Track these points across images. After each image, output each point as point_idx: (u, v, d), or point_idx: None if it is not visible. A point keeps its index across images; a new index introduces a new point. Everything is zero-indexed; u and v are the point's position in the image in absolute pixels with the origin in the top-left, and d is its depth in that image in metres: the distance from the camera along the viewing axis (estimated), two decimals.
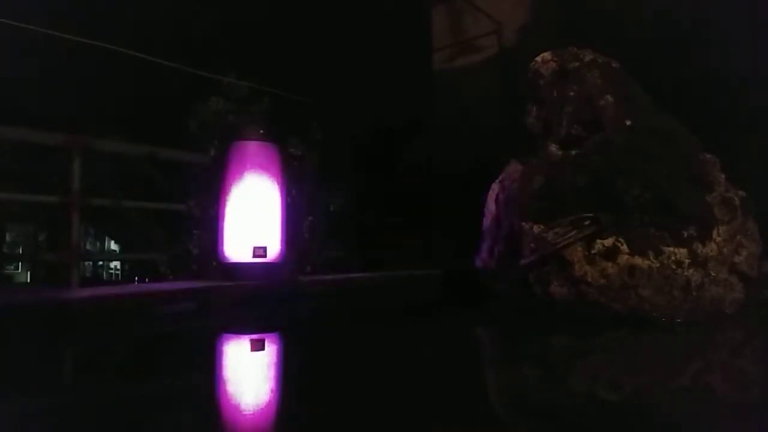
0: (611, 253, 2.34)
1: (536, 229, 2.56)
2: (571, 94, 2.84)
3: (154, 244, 4.43)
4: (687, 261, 2.29)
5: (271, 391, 1.41)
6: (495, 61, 4.79)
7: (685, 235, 2.32)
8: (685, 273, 2.28)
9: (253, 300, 2.64)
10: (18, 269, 10.74)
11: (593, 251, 2.38)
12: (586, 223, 2.42)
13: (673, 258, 2.28)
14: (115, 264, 10.55)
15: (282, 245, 2.98)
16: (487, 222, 3.09)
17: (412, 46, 5.34)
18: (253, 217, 2.87)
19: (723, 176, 2.57)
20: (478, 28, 4.96)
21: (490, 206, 3.08)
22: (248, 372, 1.63)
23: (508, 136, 3.46)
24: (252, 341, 2.18)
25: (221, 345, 2.13)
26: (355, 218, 5.10)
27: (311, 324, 2.72)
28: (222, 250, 2.91)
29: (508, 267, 2.72)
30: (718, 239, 2.36)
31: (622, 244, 2.34)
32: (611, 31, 3.51)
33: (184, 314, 2.36)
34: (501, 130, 4.25)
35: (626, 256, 2.31)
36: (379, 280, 3.59)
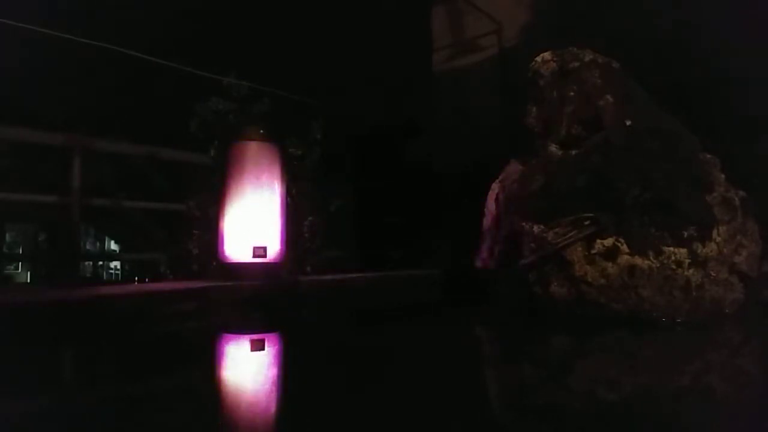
0: (611, 253, 2.34)
1: (536, 229, 2.56)
2: (571, 94, 2.84)
3: (154, 244, 4.44)
4: (687, 261, 2.29)
5: (271, 391, 1.41)
6: (495, 61, 4.79)
7: (685, 235, 2.32)
8: (685, 273, 2.28)
9: (253, 300, 2.64)
10: (18, 269, 10.74)
11: (593, 251, 2.38)
12: (586, 223, 2.42)
13: (673, 258, 2.28)
14: (115, 264, 10.55)
15: (282, 245, 2.97)
16: (487, 222, 3.09)
17: (412, 46, 5.34)
18: (253, 217, 2.87)
19: (723, 176, 2.56)
20: (478, 28, 4.96)
21: (490, 206, 3.08)
22: (248, 372, 1.63)
23: (508, 136, 3.46)
24: (252, 341, 2.18)
25: (221, 345, 2.13)
26: (355, 218, 5.10)
27: (311, 324, 2.72)
28: (222, 250, 2.91)
29: (508, 267, 2.72)
30: (718, 239, 2.36)
31: (622, 244, 2.33)
32: (611, 31, 3.51)
33: (184, 314, 2.36)
34: (501, 130, 4.25)
35: (626, 256, 2.31)
36: (379, 280, 3.59)
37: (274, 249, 2.90)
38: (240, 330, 2.38)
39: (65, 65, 4.92)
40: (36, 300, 2.12)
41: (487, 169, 3.23)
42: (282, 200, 3.03)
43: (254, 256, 2.83)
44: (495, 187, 3.10)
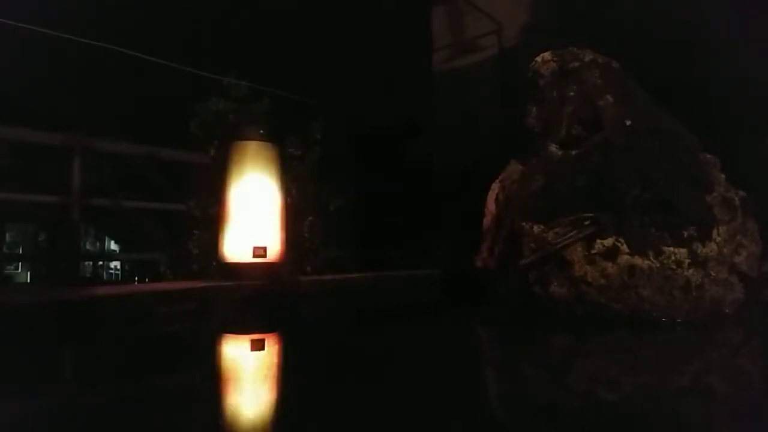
0: (611, 253, 2.34)
1: (536, 229, 2.56)
2: (571, 94, 2.84)
3: (154, 244, 4.44)
4: (687, 261, 2.29)
5: (271, 391, 1.41)
6: (495, 61, 4.79)
7: (685, 235, 2.32)
8: (685, 273, 2.28)
9: (253, 300, 2.64)
10: (18, 269, 10.74)
11: (593, 251, 2.37)
12: (586, 223, 2.42)
13: (673, 258, 2.28)
14: (115, 264, 10.56)
15: (282, 245, 2.98)
16: (487, 222, 3.09)
17: (412, 46, 5.34)
18: (253, 217, 2.87)
19: (723, 176, 2.56)
20: (478, 28, 4.96)
21: (490, 206, 3.08)
22: (248, 372, 1.63)
23: (508, 136, 3.47)
24: (252, 341, 2.18)
25: (221, 345, 2.13)
26: (355, 218, 5.10)
27: (311, 324, 2.72)
28: (222, 250, 2.91)
29: (508, 267, 2.72)
30: (718, 239, 2.36)
31: (622, 244, 2.33)
32: (611, 31, 3.51)
33: (184, 314, 2.36)
34: (501, 130, 4.26)
35: (626, 256, 2.31)
36: (379, 280, 3.59)
37: (274, 249, 2.90)
38: (240, 330, 2.38)
39: (65, 65, 4.92)
40: (36, 300, 2.12)
41: (487, 169, 3.23)
42: (282, 200, 3.03)
43: (254, 256, 2.83)
44: (495, 187, 3.10)
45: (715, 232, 2.36)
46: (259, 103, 3.83)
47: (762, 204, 2.60)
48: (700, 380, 1.53)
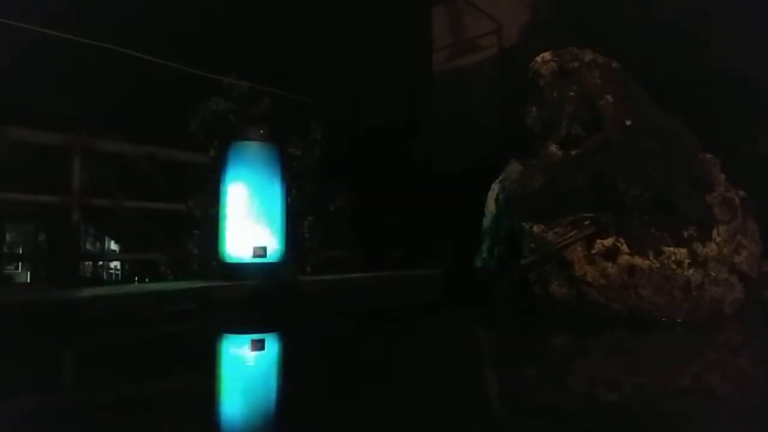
0: (611, 253, 2.34)
1: (536, 229, 2.56)
2: (571, 94, 2.84)
3: (154, 244, 4.43)
4: (687, 261, 2.29)
5: (271, 391, 1.41)
6: (495, 61, 4.79)
7: (685, 235, 2.32)
8: (685, 273, 2.28)
9: (253, 300, 2.64)
10: (18, 269, 10.73)
11: (593, 251, 2.37)
12: (586, 223, 2.42)
13: (673, 258, 2.28)
14: (115, 264, 10.53)
15: (282, 245, 2.97)
16: (487, 222, 3.09)
17: (412, 46, 5.34)
18: (253, 217, 2.87)
19: (723, 176, 2.57)
20: (478, 28, 4.96)
21: (490, 206, 3.08)
22: (248, 372, 1.63)
23: (508, 136, 3.46)
24: (252, 341, 2.18)
25: (221, 345, 2.13)
26: (355, 218, 5.10)
27: (311, 324, 2.72)
28: (222, 250, 2.91)
29: (508, 267, 2.72)
30: (718, 239, 2.36)
31: (622, 244, 2.33)
32: (611, 31, 3.51)
33: (184, 314, 2.36)
34: (501, 130, 4.25)
35: (626, 256, 2.31)
36: (379, 280, 3.59)
37: (274, 249, 2.90)
38: (240, 330, 2.38)
39: (65, 65, 4.92)
40: (35, 300, 2.12)
41: (487, 169, 3.23)
42: (282, 200, 3.03)
43: (254, 256, 2.83)
44: (495, 187, 3.10)
45: (715, 232, 2.36)
46: (260, 104, 3.83)
47: (762, 204, 2.60)
48: (700, 380, 1.53)
